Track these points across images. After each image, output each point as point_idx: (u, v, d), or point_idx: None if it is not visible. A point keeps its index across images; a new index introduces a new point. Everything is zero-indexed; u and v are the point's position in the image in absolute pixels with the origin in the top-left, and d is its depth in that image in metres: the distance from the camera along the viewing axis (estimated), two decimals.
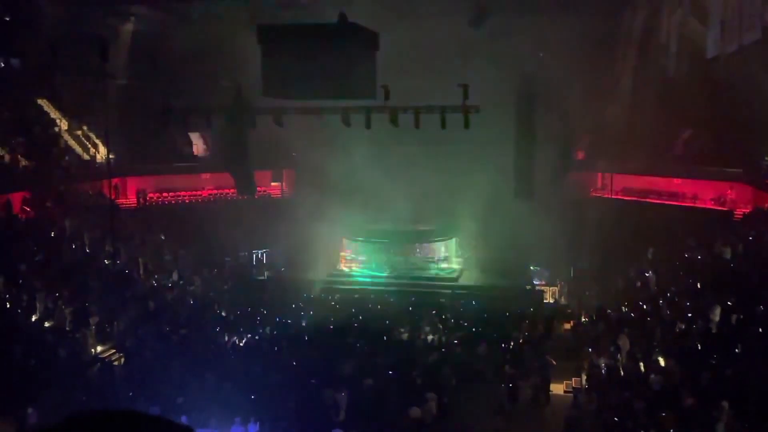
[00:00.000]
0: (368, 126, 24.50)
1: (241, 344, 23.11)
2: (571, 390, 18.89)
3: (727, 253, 23.81)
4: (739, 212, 30.21)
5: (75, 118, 34.49)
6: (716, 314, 18.21)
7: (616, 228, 30.37)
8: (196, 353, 19.73)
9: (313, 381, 17.44)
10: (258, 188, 34.71)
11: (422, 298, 30.27)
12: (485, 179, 30.23)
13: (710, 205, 32.66)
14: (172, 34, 34.22)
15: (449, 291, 31.58)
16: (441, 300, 29.65)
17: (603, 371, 18.26)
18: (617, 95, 35.32)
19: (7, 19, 33.46)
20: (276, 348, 21.45)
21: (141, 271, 26.84)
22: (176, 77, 33.63)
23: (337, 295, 30.90)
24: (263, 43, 22.07)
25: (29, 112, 32.99)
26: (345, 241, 36.10)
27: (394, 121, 24.43)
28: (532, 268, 34.63)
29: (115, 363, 19.62)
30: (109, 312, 21.72)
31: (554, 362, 19.56)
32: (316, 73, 21.24)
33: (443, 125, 24.38)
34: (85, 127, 34.98)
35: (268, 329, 24.97)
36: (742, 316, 17.78)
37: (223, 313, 25.89)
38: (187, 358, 19.20)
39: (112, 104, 32.18)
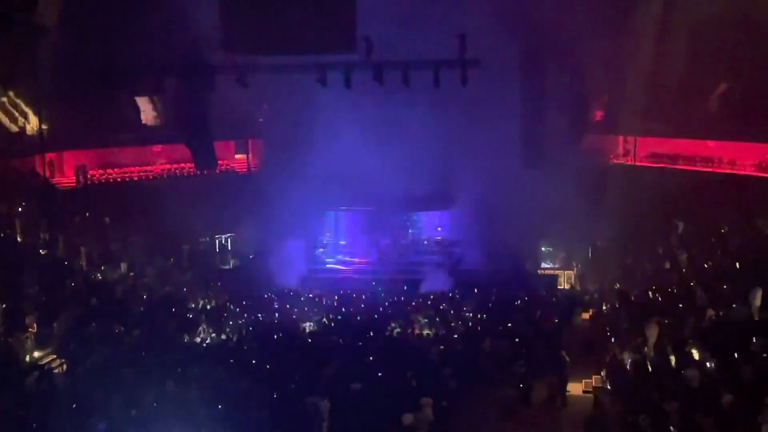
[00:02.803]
0: (348, 85, 24.34)
1: (205, 346, 23.12)
2: (591, 390, 19.05)
3: None
4: None
5: None
6: (758, 299, 18.33)
7: (642, 200, 30.44)
8: (151, 357, 19.69)
9: (290, 386, 17.48)
10: (219, 162, 34.51)
11: (416, 286, 30.40)
12: (487, 145, 30.19)
13: (751, 171, 32.78)
14: None
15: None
16: (438, 288, 29.75)
17: (628, 367, 18.40)
18: (640, 43, 35.19)
19: None
20: (246, 349, 21.46)
21: (83, 262, 26.71)
22: (119, 31, 33.17)
23: (317, 286, 30.95)
24: None
25: None
26: (325, 220, 36.20)
27: (378, 78, 24.29)
28: (543, 248, 34.76)
29: (56, 371, 19.55)
30: (48, 311, 21.61)
31: (568, 358, 19.69)
32: (285, 22, 21.08)
33: (437, 83, 24.29)
34: (11, 93, 34.54)
35: (236, 327, 24.99)
36: None
37: (183, 310, 25.83)
38: (140, 363, 19.16)
39: (43, 65, 31.76)
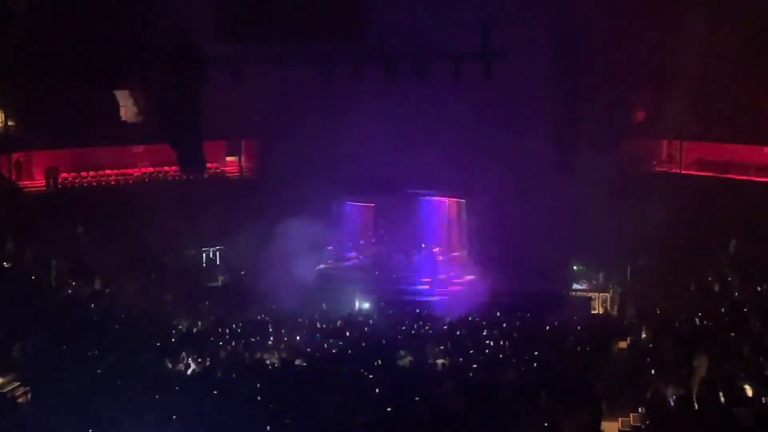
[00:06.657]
0: (357, 78, 24.43)
1: (189, 373, 23.11)
2: (628, 429, 18.94)
3: None
4: None
5: None
6: None
7: (688, 213, 30.38)
8: (128, 385, 19.69)
9: (285, 420, 17.44)
10: (208, 165, 34.63)
11: (430, 308, 30.35)
12: (513, 148, 30.19)
13: None
14: None
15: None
16: (455, 311, 29.71)
17: (671, 403, 18.30)
18: (688, 39, 35.22)
19: None
20: (235, 377, 21.43)
21: (53, 277, 26.76)
22: (98, 16, 33.37)
23: (317, 307, 30.96)
24: None
25: None
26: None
27: (391, 71, 24.37)
28: (575, 267, 34.68)
29: (20, 399, 19.57)
30: (11, 332, 21.65)
31: (602, 393, 19.60)
32: (285, 8, 21.15)
33: (457, 77, 24.36)
34: None
35: (224, 353, 24.96)
36: None
37: (164, 333, 25.83)
38: (116, 391, 19.16)
39: (11, 55, 31.94)
